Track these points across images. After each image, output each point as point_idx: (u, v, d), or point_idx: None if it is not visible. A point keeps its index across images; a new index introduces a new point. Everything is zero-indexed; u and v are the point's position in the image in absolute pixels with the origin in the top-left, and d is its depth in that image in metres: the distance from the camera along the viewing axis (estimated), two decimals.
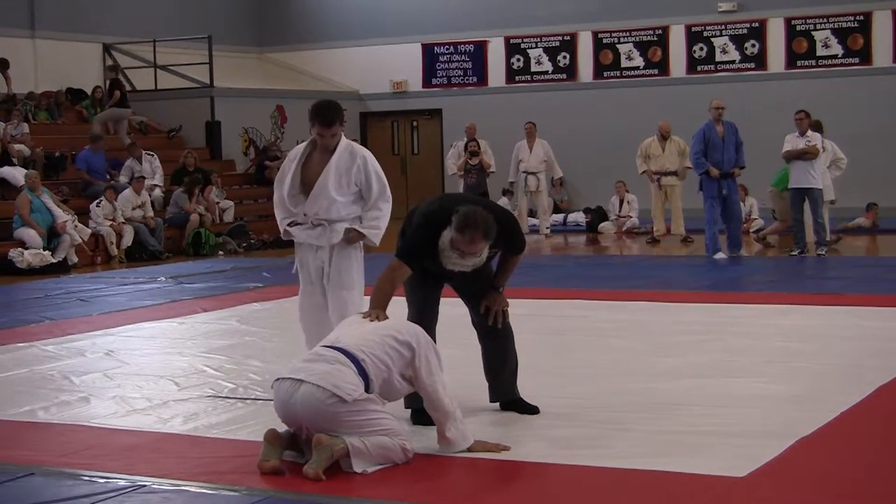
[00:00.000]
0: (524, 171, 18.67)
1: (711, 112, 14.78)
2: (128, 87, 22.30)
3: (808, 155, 14.44)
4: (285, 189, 6.95)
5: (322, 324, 6.86)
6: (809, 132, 14.59)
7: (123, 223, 16.98)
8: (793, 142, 14.64)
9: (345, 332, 5.62)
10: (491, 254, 6.07)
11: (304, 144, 7.03)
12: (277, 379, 5.43)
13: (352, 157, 6.88)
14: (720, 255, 14.50)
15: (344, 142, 6.92)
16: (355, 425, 5.23)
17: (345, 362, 5.32)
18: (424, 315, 6.24)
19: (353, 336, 5.51)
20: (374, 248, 7.32)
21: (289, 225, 7.05)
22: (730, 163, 14.63)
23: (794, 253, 14.69)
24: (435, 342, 5.87)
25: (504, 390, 6.43)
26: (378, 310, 5.81)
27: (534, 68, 23.39)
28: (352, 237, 6.92)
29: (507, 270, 6.38)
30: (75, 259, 16.02)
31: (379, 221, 6.95)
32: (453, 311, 6.66)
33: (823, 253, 14.51)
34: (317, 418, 5.22)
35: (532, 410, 6.32)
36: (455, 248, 5.82)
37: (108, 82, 21.26)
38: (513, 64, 23.55)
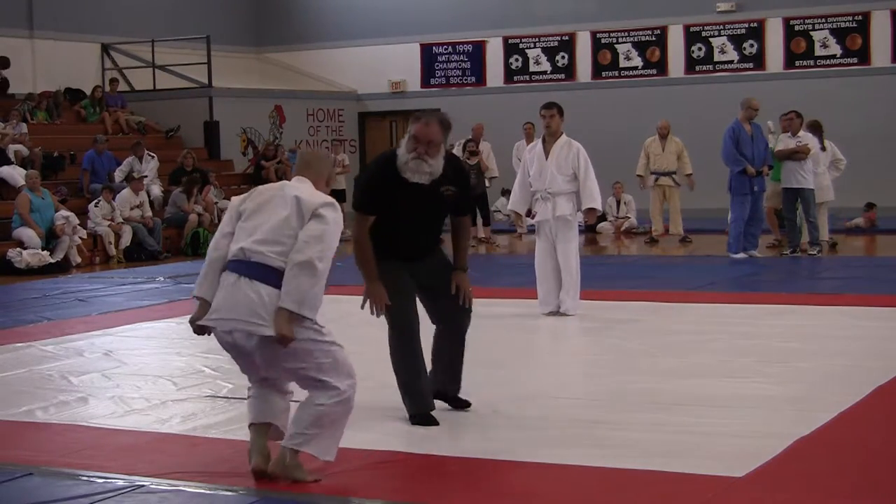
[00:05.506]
0: None
1: (745, 111, 14.56)
2: (126, 88, 22.39)
3: (798, 155, 14.39)
4: (528, 173, 9.96)
5: (551, 262, 9.87)
6: (801, 132, 14.55)
7: (122, 223, 16.97)
8: (785, 142, 14.60)
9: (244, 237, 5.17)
10: (444, 191, 6.07)
11: (538, 141, 10.04)
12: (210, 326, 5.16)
13: (569, 148, 9.78)
14: (741, 255, 14.38)
15: (563, 138, 9.80)
16: (298, 370, 5.07)
17: (252, 288, 4.99)
18: (409, 322, 6.16)
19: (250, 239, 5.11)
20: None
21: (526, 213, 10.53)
22: (759, 161, 14.49)
23: (786, 252, 14.69)
24: (419, 344, 5.99)
25: (453, 386, 6.46)
26: (376, 283, 5.96)
27: (532, 68, 23.39)
28: (588, 220, 10.49)
29: (464, 241, 6.35)
30: (78, 259, 16.03)
31: (594, 193, 9.77)
32: None
33: (816, 252, 14.49)
34: (269, 366, 5.12)
35: (466, 405, 6.41)
36: (412, 145, 5.91)
37: None
38: (511, 64, 23.55)
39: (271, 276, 5.02)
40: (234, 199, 5.38)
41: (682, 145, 17.30)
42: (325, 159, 5.49)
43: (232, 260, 5.14)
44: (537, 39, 23.31)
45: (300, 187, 5.22)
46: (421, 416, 6.05)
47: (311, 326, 5.05)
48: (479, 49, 23.77)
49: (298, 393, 5.33)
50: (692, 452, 5.44)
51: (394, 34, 24.16)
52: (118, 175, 18.50)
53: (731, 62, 21.92)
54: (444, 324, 6.37)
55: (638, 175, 17.54)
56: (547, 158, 9.85)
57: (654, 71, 22.46)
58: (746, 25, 21.82)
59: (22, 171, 16.98)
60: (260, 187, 5.38)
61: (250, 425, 5.31)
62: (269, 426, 5.26)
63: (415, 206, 6.04)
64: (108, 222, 16.87)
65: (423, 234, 6.20)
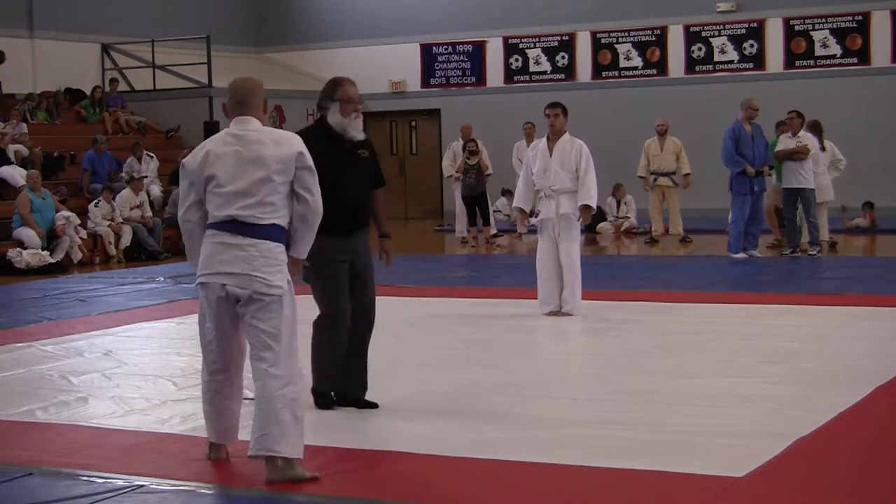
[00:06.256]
0: None
1: (745, 111, 14.54)
2: (126, 88, 22.39)
3: (798, 155, 14.38)
4: (532, 170, 10.05)
5: (552, 261, 9.90)
6: (802, 132, 14.54)
7: (122, 223, 16.98)
8: (785, 142, 14.60)
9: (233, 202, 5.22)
10: (360, 153, 6.44)
11: (541, 139, 10.16)
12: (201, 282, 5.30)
13: (572, 145, 9.89)
14: (741, 255, 14.35)
15: (567, 136, 9.92)
16: (265, 333, 5.20)
17: (247, 243, 5.16)
18: (341, 312, 6.32)
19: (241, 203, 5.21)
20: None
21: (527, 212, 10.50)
22: (759, 161, 14.46)
23: (786, 252, 14.69)
24: (346, 335, 6.23)
25: (362, 392, 6.52)
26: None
27: (532, 68, 23.39)
28: (583, 219, 9.98)
29: (382, 211, 6.65)
30: (80, 256, 16.03)
31: (591, 191, 9.79)
32: (456, 309, 6.66)
33: (816, 252, 14.49)
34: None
35: (373, 405, 6.48)
36: (347, 108, 6.29)
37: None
38: (511, 64, 23.55)
39: (263, 231, 5.18)
40: (187, 162, 5.36)
41: (681, 145, 17.30)
42: (257, 87, 5.48)
43: (218, 222, 5.22)
44: (537, 39, 23.31)
45: (260, 138, 5.27)
46: (321, 395, 6.35)
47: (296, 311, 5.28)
48: (479, 49, 23.76)
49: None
50: (692, 452, 5.44)
51: (394, 34, 24.16)
52: (122, 177, 18.50)
53: (731, 62, 21.92)
54: (351, 321, 6.46)
55: (640, 176, 17.52)
56: (551, 156, 9.94)
57: (654, 71, 22.46)
58: (746, 25, 21.81)
59: (22, 171, 16.99)
60: (211, 148, 5.29)
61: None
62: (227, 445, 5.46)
63: (343, 170, 6.27)
64: (108, 222, 16.87)
65: (353, 202, 6.35)
